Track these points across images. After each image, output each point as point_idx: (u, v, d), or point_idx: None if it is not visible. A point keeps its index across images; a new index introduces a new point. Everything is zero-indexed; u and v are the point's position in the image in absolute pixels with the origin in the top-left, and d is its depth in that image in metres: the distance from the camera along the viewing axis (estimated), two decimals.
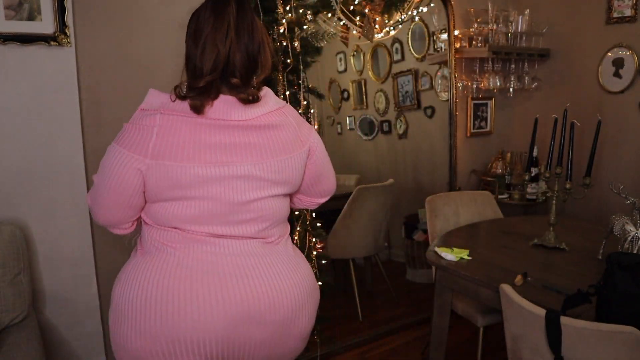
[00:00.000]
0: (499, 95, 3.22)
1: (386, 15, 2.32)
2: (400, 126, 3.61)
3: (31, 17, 1.73)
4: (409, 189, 3.67)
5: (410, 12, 2.36)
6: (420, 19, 3.11)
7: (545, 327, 1.27)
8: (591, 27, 2.82)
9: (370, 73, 3.72)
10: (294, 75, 2.01)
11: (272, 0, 1.92)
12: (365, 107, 3.84)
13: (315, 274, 2.16)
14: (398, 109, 3.59)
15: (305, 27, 2.04)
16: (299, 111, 2.04)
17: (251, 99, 1.17)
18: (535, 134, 2.06)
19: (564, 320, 1.23)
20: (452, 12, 2.88)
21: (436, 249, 1.95)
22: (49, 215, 1.86)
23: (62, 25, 1.77)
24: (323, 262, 2.18)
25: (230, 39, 1.14)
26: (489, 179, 3.12)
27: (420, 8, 2.38)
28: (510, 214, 2.87)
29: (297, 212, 2.06)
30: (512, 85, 3.05)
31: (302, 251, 2.11)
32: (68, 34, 1.79)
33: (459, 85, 3.00)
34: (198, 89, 1.14)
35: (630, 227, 1.65)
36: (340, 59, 3.90)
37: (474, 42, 2.94)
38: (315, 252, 2.16)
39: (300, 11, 2.01)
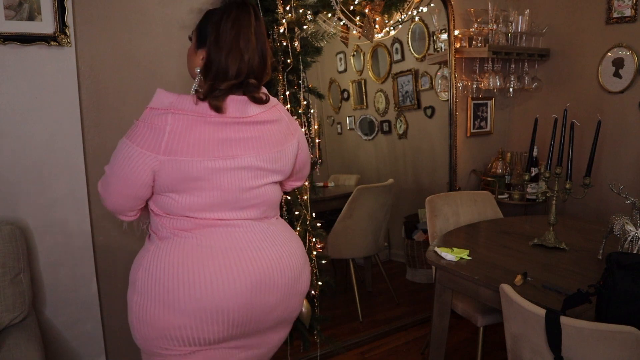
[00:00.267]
0: (499, 95, 3.22)
1: (386, 15, 2.32)
2: (400, 126, 3.61)
3: (31, 17, 1.73)
4: (409, 189, 3.67)
5: (410, 12, 2.36)
6: (420, 19, 3.12)
7: (545, 327, 1.27)
8: (591, 27, 2.82)
9: (370, 73, 3.72)
10: (294, 75, 2.01)
11: (272, 0, 1.92)
12: (365, 107, 3.84)
13: (315, 274, 2.16)
14: (398, 109, 3.59)
15: (305, 27, 2.04)
16: (299, 111, 2.04)
17: (265, 99, 1.33)
18: (535, 134, 2.06)
19: (564, 320, 1.23)
20: (452, 12, 2.88)
21: (436, 249, 1.95)
22: (49, 215, 1.86)
23: (62, 25, 1.77)
24: (323, 262, 2.18)
25: (251, 45, 1.28)
26: (489, 179, 3.12)
27: (420, 8, 2.38)
28: (510, 214, 2.87)
29: (297, 212, 2.06)
30: (512, 85, 3.05)
31: None
32: (68, 34, 1.79)
33: (459, 85, 3.00)
34: (222, 91, 1.25)
35: (630, 227, 1.65)
36: (340, 59, 3.90)
37: (474, 42, 2.94)
38: (315, 252, 2.16)
39: (300, 11, 2.01)
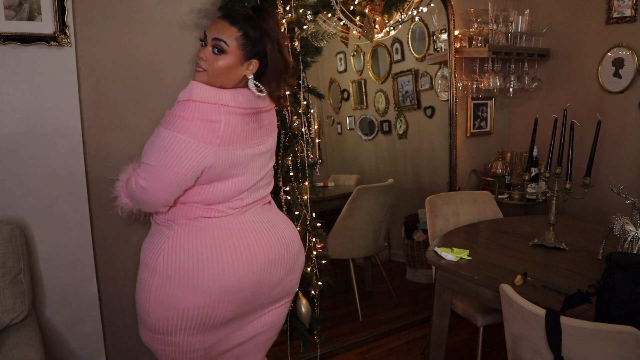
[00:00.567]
0: (499, 95, 3.22)
1: (386, 15, 2.31)
2: (400, 126, 3.61)
3: (31, 17, 1.73)
4: (409, 189, 3.66)
5: (410, 12, 2.36)
6: (420, 19, 3.11)
7: (545, 327, 1.27)
8: (591, 27, 2.82)
9: (370, 73, 3.72)
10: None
11: (272, 0, 1.92)
12: (365, 107, 3.84)
13: (315, 274, 2.16)
14: (398, 109, 3.59)
15: (305, 27, 2.04)
16: (299, 111, 2.04)
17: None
18: (535, 134, 2.06)
19: (564, 320, 1.23)
20: (452, 12, 2.88)
21: (436, 249, 1.95)
22: (49, 215, 1.86)
23: (62, 25, 1.76)
24: (323, 262, 2.18)
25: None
26: (489, 179, 3.12)
27: (420, 8, 2.38)
28: (510, 214, 2.87)
29: (297, 212, 2.06)
30: (512, 85, 3.05)
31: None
32: (68, 34, 1.79)
33: (459, 85, 3.00)
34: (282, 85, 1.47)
35: (630, 227, 1.65)
36: (340, 59, 3.90)
37: (474, 42, 2.94)
38: (315, 252, 2.16)
39: (300, 11, 2.01)
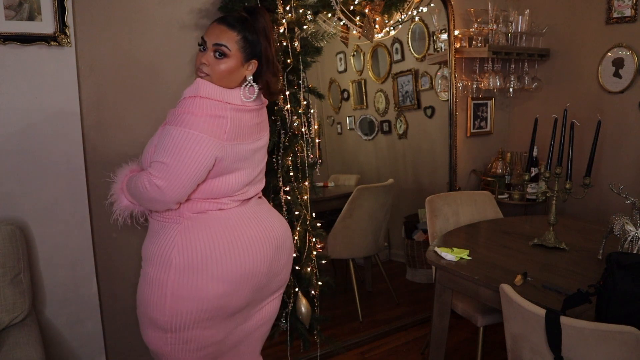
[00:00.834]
0: (499, 95, 3.22)
1: (386, 15, 2.31)
2: (400, 126, 3.61)
3: (31, 17, 1.73)
4: (409, 189, 3.66)
5: (410, 12, 2.36)
6: (420, 19, 3.11)
7: (545, 327, 1.27)
8: (591, 27, 2.82)
9: (370, 73, 3.72)
10: (294, 75, 2.01)
11: (272, 0, 1.92)
12: (365, 107, 3.84)
13: (315, 274, 2.16)
14: (398, 109, 3.59)
15: (305, 27, 2.04)
16: (299, 111, 2.04)
17: None
18: (535, 134, 2.06)
19: (564, 320, 1.23)
20: (452, 12, 2.88)
21: (436, 249, 1.95)
22: (49, 215, 1.86)
23: (62, 25, 1.77)
24: (323, 262, 2.18)
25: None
26: (489, 179, 3.12)
27: (420, 8, 2.38)
28: (510, 214, 2.87)
29: (297, 212, 2.06)
30: (512, 85, 3.05)
31: (302, 251, 2.11)
32: (68, 34, 1.79)
33: (459, 85, 3.00)
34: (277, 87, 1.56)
35: (630, 227, 1.65)
36: (340, 59, 3.90)
37: (474, 42, 2.94)
38: (315, 252, 2.16)
39: (300, 11, 2.00)
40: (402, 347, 2.64)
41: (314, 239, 2.15)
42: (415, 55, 3.33)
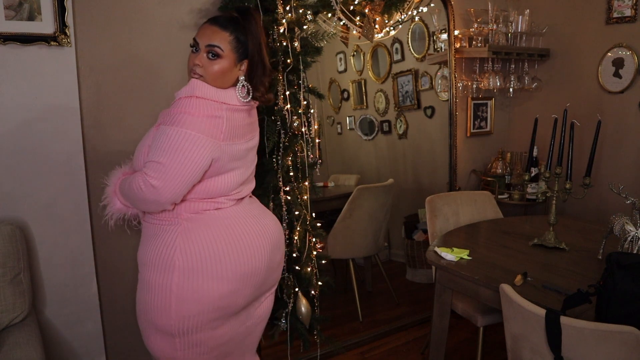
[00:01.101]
0: (499, 95, 3.22)
1: (386, 15, 2.31)
2: (400, 126, 3.61)
3: (31, 17, 1.73)
4: (409, 189, 3.66)
5: (410, 12, 2.36)
6: (420, 19, 3.11)
7: (545, 327, 1.27)
8: (591, 27, 2.82)
9: (370, 73, 3.72)
10: (294, 75, 2.01)
11: (272, 0, 1.92)
12: (365, 107, 3.84)
13: (315, 274, 2.16)
14: (398, 109, 3.59)
15: (305, 27, 2.03)
16: (299, 111, 2.04)
17: None
18: (535, 134, 2.06)
19: (564, 320, 1.23)
20: (452, 12, 2.88)
21: (436, 249, 1.95)
22: (49, 215, 1.86)
23: (62, 25, 1.77)
24: (323, 262, 2.18)
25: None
26: (489, 179, 3.12)
27: (420, 8, 2.38)
28: (510, 214, 2.87)
29: (297, 212, 2.06)
30: (512, 85, 3.05)
31: (302, 251, 2.11)
32: (68, 34, 1.79)
33: (459, 85, 3.00)
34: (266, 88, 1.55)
35: (630, 227, 1.65)
36: (340, 59, 3.90)
37: (474, 42, 2.94)
38: (315, 252, 2.15)
39: (300, 11, 2.00)
40: (402, 347, 2.64)
41: (314, 239, 2.15)
42: (415, 55, 3.33)
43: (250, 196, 1.67)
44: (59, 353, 1.93)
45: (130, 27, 1.96)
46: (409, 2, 2.33)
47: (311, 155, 2.09)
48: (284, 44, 1.95)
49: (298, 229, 2.07)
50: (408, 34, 3.32)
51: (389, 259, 3.86)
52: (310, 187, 2.13)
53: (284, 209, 2.04)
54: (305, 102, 2.05)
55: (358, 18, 2.23)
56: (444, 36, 2.96)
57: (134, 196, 1.40)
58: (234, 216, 1.49)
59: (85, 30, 1.88)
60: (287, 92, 1.99)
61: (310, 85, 2.08)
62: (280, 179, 2.02)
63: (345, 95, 3.96)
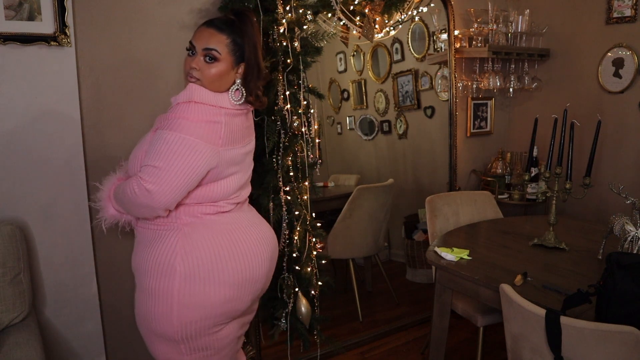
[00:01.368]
0: (499, 95, 3.22)
1: (386, 15, 2.31)
2: (400, 126, 3.61)
3: (31, 17, 1.73)
4: (409, 189, 3.66)
5: (410, 12, 2.36)
6: (420, 19, 3.11)
7: (545, 327, 1.27)
8: (591, 27, 2.82)
9: (370, 73, 3.72)
10: (294, 75, 2.01)
11: (272, 0, 1.92)
12: (365, 107, 3.84)
13: (315, 274, 2.16)
14: (398, 109, 3.59)
15: (305, 27, 2.03)
16: (299, 111, 2.04)
17: None
18: (535, 134, 2.06)
19: (564, 320, 1.23)
20: (452, 12, 2.88)
21: (436, 249, 1.95)
22: (49, 215, 1.86)
23: (62, 25, 1.77)
24: (323, 262, 2.18)
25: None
26: (489, 179, 3.12)
27: (420, 8, 2.38)
28: (510, 214, 2.87)
29: (297, 212, 2.06)
30: (512, 85, 3.05)
31: (302, 251, 2.11)
32: (68, 34, 1.79)
33: (459, 85, 3.00)
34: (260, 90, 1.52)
35: (630, 227, 1.65)
36: (340, 59, 3.90)
37: (474, 42, 2.94)
38: (315, 252, 2.15)
39: (300, 11, 2.00)
40: (402, 347, 2.64)
41: (314, 239, 2.15)
42: (415, 55, 3.33)
43: (248, 204, 1.66)
44: (59, 353, 1.93)
45: (130, 27, 1.96)
46: (409, 2, 2.33)
47: (311, 155, 2.09)
48: (284, 44, 1.95)
49: (298, 229, 2.07)
50: (408, 34, 3.32)
51: (389, 259, 3.86)
52: (310, 187, 2.13)
53: (284, 209, 2.04)
54: (305, 102, 2.05)
55: (358, 18, 2.23)
56: (444, 36, 2.96)
57: (128, 201, 1.37)
58: (235, 222, 1.47)
59: (85, 30, 1.88)
60: (287, 92, 1.99)
61: (310, 85, 2.08)
62: (280, 179, 2.02)
63: (345, 95, 3.96)
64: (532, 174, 2.84)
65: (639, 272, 1.31)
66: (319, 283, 2.18)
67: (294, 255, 2.07)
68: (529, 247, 2.00)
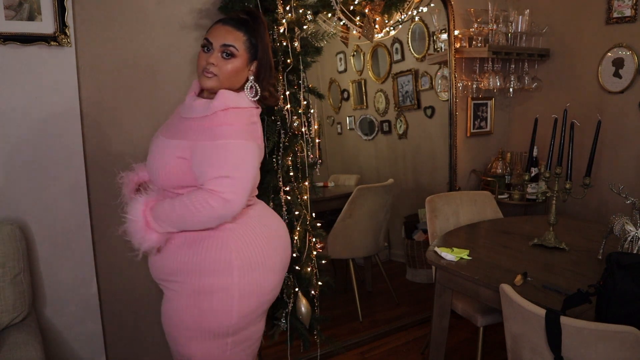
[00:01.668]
0: (499, 95, 3.22)
1: (386, 15, 2.31)
2: (400, 126, 3.61)
3: (31, 17, 1.73)
4: (409, 189, 3.66)
5: (410, 12, 2.36)
6: (420, 19, 3.11)
7: (545, 327, 1.27)
8: (591, 27, 2.82)
9: (370, 73, 3.72)
10: (294, 75, 2.01)
11: (272, 0, 1.92)
12: (365, 107, 3.84)
13: (315, 274, 2.16)
14: (398, 109, 3.59)
15: (305, 27, 2.03)
16: (299, 111, 2.04)
17: None
18: (535, 134, 2.06)
19: (564, 320, 1.23)
20: (452, 12, 2.88)
21: (436, 249, 1.95)
22: (49, 215, 1.86)
23: (62, 25, 1.77)
24: (323, 262, 2.18)
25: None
26: (489, 179, 3.12)
27: (420, 8, 2.38)
28: (510, 214, 2.87)
29: (297, 212, 2.06)
30: (512, 85, 3.05)
31: (302, 251, 2.11)
32: (68, 34, 1.79)
33: (459, 85, 3.00)
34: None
35: (630, 227, 1.65)
36: (340, 59, 3.90)
37: (474, 42, 2.94)
38: (315, 252, 2.15)
39: (300, 11, 2.00)
40: (402, 347, 2.64)
41: (314, 239, 2.15)
42: (415, 55, 3.33)
43: None
44: (59, 353, 1.93)
45: (130, 27, 1.97)
46: (409, 2, 2.33)
47: (311, 155, 2.09)
48: (284, 44, 1.95)
49: (298, 229, 2.07)
50: (408, 34, 3.32)
51: (389, 259, 3.86)
52: (310, 187, 2.13)
53: (284, 209, 2.04)
54: (305, 102, 2.05)
55: (358, 18, 2.23)
56: (444, 36, 2.96)
57: (198, 217, 1.34)
58: (263, 213, 1.57)
59: (85, 30, 1.88)
60: (287, 92, 1.99)
61: (310, 85, 2.08)
62: (280, 179, 2.02)
63: (345, 95, 3.96)
64: (532, 174, 2.84)
65: (639, 272, 1.31)
66: (319, 283, 2.18)
67: (294, 255, 2.07)
68: (529, 247, 2.00)
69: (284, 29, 1.94)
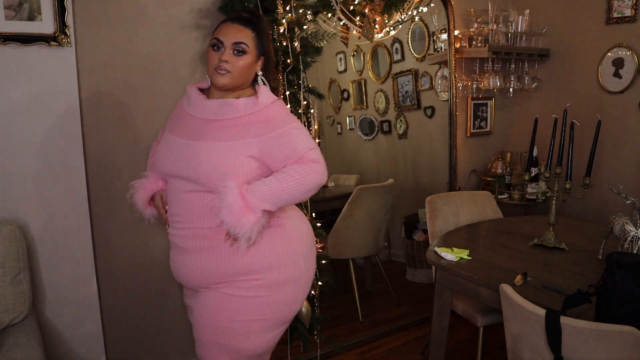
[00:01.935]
0: (499, 95, 3.22)
1: (386, 15, 2.31)
2: (400, 126, 3.61)
3: (31, 17, 1.73)
4: (409, 189, 3.66)
5: (410, 12, 2.36)
6: (420, 19, 3.11)
7: (545, 327, 1.27)
8: (591, 27, 2.82)
9: (370, 73, 3.72)
10: (294, 75, 2.01)
11: (272, 0, 1.92)
12: (365, 107, 3.84)
13: (315, 274, 2.16)
14: (398, 109, 3.59)
15: (305, 27, 2.04)
16: (299, 111, 2.04)
17: None
18: (535, 134, 2.06)
19: (564, 320, 1.23)
20: (452, 12, 2.88)
21: (436, 249, 1.95)
22: (49, 215, 1.86)
23: (62, 25, 1.76)
24: (323, 262, 2.18)
25: None
26: (489, 179, 3.12)
27: (420, 8, 2.38)
28: (510, 214, 2.87)
29: None
30: (512, 85, 3.05)
31: None
32: (68, 34, 1.79)
33: (459, 85, 3.00)
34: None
35: (630, 227, 1.65)
36: (340, 59, 3.90)
37: (474, 42, 2.94)
38: None
39: (300, 11, 2.00)
40: (402, 347, 2.64)
41: None
42: (415, 55, 3.33)
43: None
44: (59, 353, 1.93)
45: (130, 27, 1.97)
46: (409, 2, 2.33)
47: None
48: (284, 44, 1.95)
49: None
50: (408, 34, 3.32)
51: (389, 259, 3.86)
52: None
53: None
54: (305, 102, 2.05)
55: (358, 18, 2.23)
56: (444, 36, 2.96)
57: (307, 185, 1.43)
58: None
59: (85, 30, 1.88)
60: (287, 92, 1.99)
61: (310, 85, 2.08)
62: None
63: (345, 95, 3.96)
64: (532, 174, 2.84)
65: (639, 272, 1.31)
66: (319, 283, 2.18)
67: None
68: (529, 247, 2.00)
69: (284, 29, 1.94)
